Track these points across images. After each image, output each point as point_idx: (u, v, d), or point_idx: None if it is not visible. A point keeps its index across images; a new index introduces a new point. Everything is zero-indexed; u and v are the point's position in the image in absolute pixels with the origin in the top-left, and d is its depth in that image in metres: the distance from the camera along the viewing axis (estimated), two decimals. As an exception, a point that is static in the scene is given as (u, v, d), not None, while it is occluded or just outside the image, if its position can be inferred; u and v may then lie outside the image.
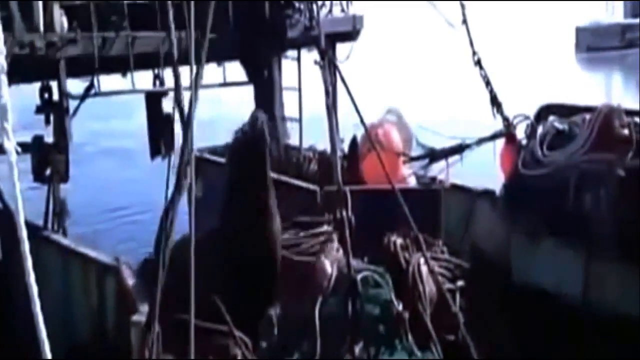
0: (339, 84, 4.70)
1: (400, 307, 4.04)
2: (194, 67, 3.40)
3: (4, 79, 3.63)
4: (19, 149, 4.26)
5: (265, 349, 3.86)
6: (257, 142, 4.31)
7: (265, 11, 7.47)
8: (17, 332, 4.05)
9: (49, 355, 3.46)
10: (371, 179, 6.31)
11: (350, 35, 8.39)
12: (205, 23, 3.43)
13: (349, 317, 3.79)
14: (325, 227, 5.01)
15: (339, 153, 6.52)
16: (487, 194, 5.63)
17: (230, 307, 3.95)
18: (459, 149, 6.26)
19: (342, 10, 8.30)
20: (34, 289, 3.58)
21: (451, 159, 6.16)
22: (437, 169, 6.17)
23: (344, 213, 3.53)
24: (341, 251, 4.83)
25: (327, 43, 6.16)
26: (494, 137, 6.20)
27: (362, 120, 4.24)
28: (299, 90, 7.89)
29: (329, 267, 4.37)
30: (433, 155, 6.29)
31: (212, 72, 6.71)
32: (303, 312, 4.08)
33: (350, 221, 3.53)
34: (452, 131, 6.73)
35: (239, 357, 3.68)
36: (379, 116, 6.86)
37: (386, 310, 4.00)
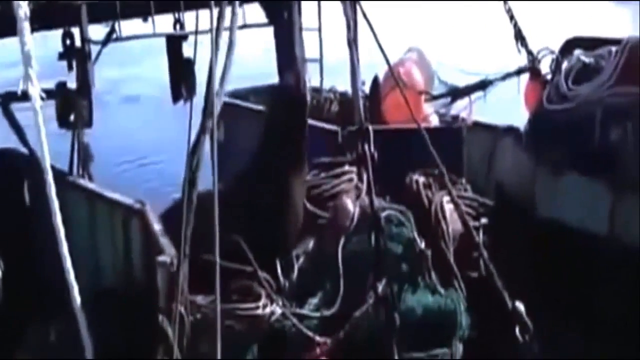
0: (361, 21, 4.45)
1: (423, 246, 3.92)
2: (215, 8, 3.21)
3: (27, 26, 3.48)
4: (44, 95, 4.16)
5: (288, 289, 3.78)
6: (300, 100, 4.13)
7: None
8: (44, 280, 4.04)
9: (78, 299, 3.45)
10: (392, 119, 6.09)
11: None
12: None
13: (373, 254, 3.68)
14: (346, 167, 4.87)
15: (360, 94, 6.30)
16: (511, 130, 5.38)
17: (253, 248, 3.86)
18: (482, 85, 5.97)
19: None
20: (62, 232, 3.55)
21: (474, 96, 5.89)
22: (460, 107, 5.91)
23: (367, 148, 3.35)
24: (363, 190, 4.70)
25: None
26: (518, 72, 5.91)
27: (384, 56, 3.98)
28: (319, 30, 7.55)
29: (351, 206, 4.24)
30: (455, 93, 6.01)
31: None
32: (326, 251, 3.98)
33: (373, 157, 3.36)
34: (475, 68, 6.43)
35: (263, 297, 3.60)
36: (400, 55, 6.57)
37: (409, 248, 3.88)
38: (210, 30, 3.46)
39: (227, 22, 3.53)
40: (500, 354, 3.59)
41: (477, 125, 5.60)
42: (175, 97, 6.35)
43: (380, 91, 6.35)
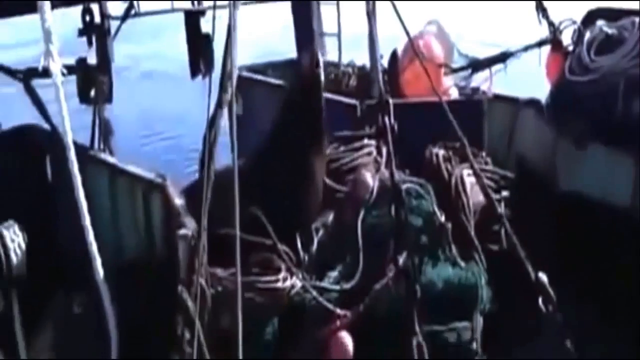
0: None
1: (443, 219, 3.85)
2: None
3: (47, 3, 3.44)
4: (65, 71, 4.11)
5: (308, 262, 3.75)
6: (316, 74, 4.05)
7: None
8: (66, 253, 4.05)
9: (101, 272, 3.46)
10: (411, 92, 5.98)
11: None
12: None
13: (392, 228, 3.63)
14: (365, 141, 4.80)
15: (379, 67, 6.18)
16: (532, 103, 5.24)
17: (273, 222, 3.83)
18: (503, 57, 5.82)
19: None
20: (84, 207, 3.54)
21: (494, 69, 5.74)
22: (480, 80, 5.77)
23: (387, 121, 3.27)
24: (382, 164, 4.63)
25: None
26: (539, 44, 5.75)
27: (404, 28, 3.87)
28: (337, 4, 7.41)
29: (370, 179, 4.18)
30: (475, 65, 5.86)
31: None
32: (345, 225, 3.93)
33: (393, 129, 3.28)
34: (496, 40, 6.26)
35: (283, 270, 3.57)
36: (419, 28, 6.42)
37: (429, 221, 3.81)
38: (229, 4, 3.40)
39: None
40: (521, 326, 3.54)
41: (497, 97, 5.47)
42: (194, 72, 6.30)
43: (399, 65, 6.23)
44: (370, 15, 4.26)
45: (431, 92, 5.78)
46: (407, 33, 4.36)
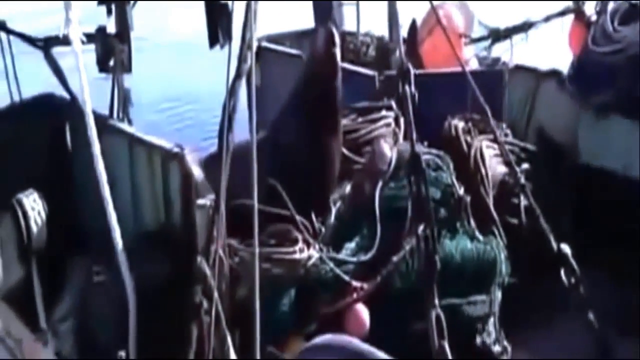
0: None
1: (462, 191, 3.70)
2: None
3: None
4: (84, 39, 3.97)
5: (325, 233, 3.64)
6: (331, 63, 3.87)
7: None
8: (85, 224, 3.99)
9: (120, 241, 3.40)
10: (430, 63, 5.77)
11: None
12: None
13: (410, 199, 3.49)
14: (383, 112, 4.62)
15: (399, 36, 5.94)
16: (554, 73, 5.01)
17: (290, 193, 3.71)
18: (524, 27, 5.56)
19: None
20: (103, 176, 3.46)
21: (515, 39, 5.49)
22: (501, 50, 5.53)
23: (407, 89, 3.09)
24: (400, 135, 4.47)
25: None
26: (561, 13, 5.48)
27: None
28: (355, -28, 7.12)
29: (388, 150, 4.02)
30: (496, 36, 5.61)
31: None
32: (362, 196, 3.80)
33: (414, 97, 3.11)
34: (516, 10, 5.99)
35: (300, 241, 3.47)
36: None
37: (447, 193, 3.66)
38: None
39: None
40: (542, 301, 3.42)
41: (518, 68, 5.23)
42: (212, 41, 6.13)
43: (418, 35, 6.00)
44: (390, -18, 4.04)
45: (450, 63, 5.57)
46: (431, 2, 4.15)
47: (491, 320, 3.47)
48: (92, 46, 4.94)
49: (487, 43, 5.73)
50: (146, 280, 3.26)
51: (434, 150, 3.97)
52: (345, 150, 4.14)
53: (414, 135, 3.17)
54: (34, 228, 3.61)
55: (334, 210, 3.75)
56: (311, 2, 6.62)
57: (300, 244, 3.44)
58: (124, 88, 4.94)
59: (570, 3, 5.33)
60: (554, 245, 3.12)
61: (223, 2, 6.31)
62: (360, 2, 6.92)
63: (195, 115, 8.98)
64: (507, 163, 3.59)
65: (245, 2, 3.06)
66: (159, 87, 9.31)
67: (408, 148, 4.00)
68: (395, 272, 3.34)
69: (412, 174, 2.99)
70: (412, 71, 3.65)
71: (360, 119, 4.53)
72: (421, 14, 6.21)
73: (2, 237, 3.48)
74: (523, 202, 3.77)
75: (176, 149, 3.82)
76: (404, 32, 6.21)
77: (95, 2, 5.41)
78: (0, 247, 3.41)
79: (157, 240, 3.60)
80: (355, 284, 3.31)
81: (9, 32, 4.87)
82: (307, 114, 3.99)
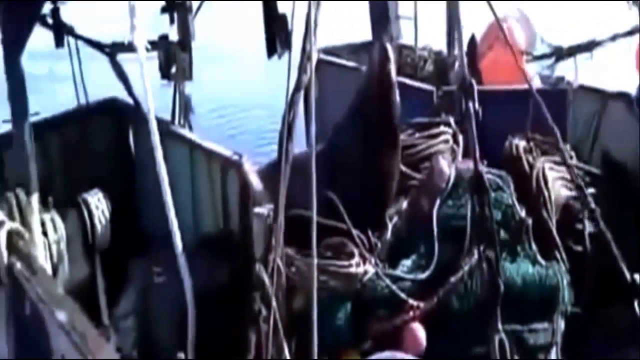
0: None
1: (523, 213, 3.69)
2: None
3: None
4: (149, 46, 4.17)
5: (381, 249, 3.68)
6: (386, 80, 3.94)
7: None
8: (147, 225, 4.15)
9: (180, 245, 3.54)
10: (490, 80, 5.76)
11: None
12: None
13: (469, 219, 3.51)
14: (442, 128, 4.65)
15: (456, 52, 5.97)
16: (622, 95, 4.94)
17: (347, 207, 3.78)
18: (589, 46, 5.51)
19: None
20: (165, 180, 3.62)
21: (580, 58, 5.44)
22: (564, 69, 5.48)
23: (470, 105, 3.12)
24: (459, 152, 4.49)
25: None
26: (629, 33, 5.40)
27: (491, 8, 3.68)
28: (414, -14, 7.20)
29: (447, 167, 4.05)
30: (560, 54, 5.58)
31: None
32: (420, 213, 3.83)
33: (478, 114, 3.14)
34: (582, 28, 5.93)
35: (356, 255, 3.53)
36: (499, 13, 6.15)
37: (508, 215, 3.65)
38: None
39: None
40: (610, 332, 3.35)
41: (583, 88, 5.18)
42: (270, 52, 6.30)
43: (477, 51, 6.01)
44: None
45: (510, 80, 5.55)
46: (494, 13, 4.16)
47: (554, 350, 3.41)
48: (155, 53, 5.18)
49: (549, 61, 5.70)
50: (204, 283, 3.37)
51: (494, 170, 3.97)
52: (402, 166, 4.18)
53: (477, 153, 3.20)
54: (99, 227, 3.80)
55: (390, 226, 3.79)
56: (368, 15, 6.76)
57: (357, 258, 3.49)
58: (185, 95, 5.15)
59: (639, 22, 5.25)
60: (627, 274, 3.07)
61: (282, 13, 6.52)
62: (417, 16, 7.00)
63: (251, 122, 9.22)
64: (575, 186, 3.55)
65: (305, 13, 3.18)
66: (219, 95, 9.60)
67: (468, 166, 4.05)
68: (453, 293, 3.35)
69: (475, 193, 3.00)
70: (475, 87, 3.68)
71: (417, 135, 4.58)
72: (480, 29, 6.23)
73: (69, 233, 3.67)
74: (588, 228, 3.71)
75: (235, 157, 3.96)
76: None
77: (159, 10, 5.66)
78: (67, 243, 3.60)
79: (215, 245, 3.72)
80: (412, 302, 3.33)
81: (77, 37, 5.15)
82: (365, 129, 4.05)
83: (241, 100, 9.99)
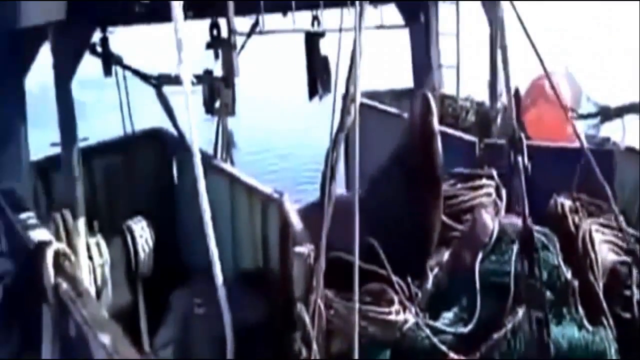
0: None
1: (569, 275, 3.71)
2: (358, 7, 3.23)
3: (180, 12, 3.70)
4: (194, 80, 4.37)
5: (421, 299, 3.73)
6: (428, 130, 4.07)
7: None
8: (188, 256, 4.25)
9: (220, 277, 3.62)
10: (533, 135, 5.84)
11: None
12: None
13: (512, 275, 3.55)
14: (484, 181, 4.74)
15: (499, 104, 6.11)
16: (671, 159, 4.97)
17: (387, 253, 3.85)
18: (637, 107, 5.59)
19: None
20: (207, 212, 3.74)
21: (627, 119, 5.51)
22: (611, 129, 5.55)
23: (520, 160, 3.21)
24: (501, 207, 4.55)
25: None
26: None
27: (540, 61, 3.79)
28: (457, 36, 7.42)
29: (490, 221, 4.11)
30: (606, 113, 5.66)
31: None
32: (461, 266, 3.89)
33: (527, 169, 3.21)
34: (629, 89, 6.01)
35: (396, 303, 3.58)
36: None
37: (553, 275, 3.68)
38: (355, 28, 3.50)
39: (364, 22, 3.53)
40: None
41: (630, 150, 5.23)
42: (311, 93, 6.51)
43: (522, 104, 6.12)
44: (505, 48, 4.19)
45: (553, 137, 5.63)
46: (544, 67, 4.27)
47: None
48: (199, 87, 5.39)
49: (595, 120, 5.78)
50: (243, 318, 3.44)
51: (539, 228, 4.02)
52: (444, 216, 4.25)
53: (527, 210, 3.26)
54: (142, 254, 3.91)
55: (431, 276, 3.84)
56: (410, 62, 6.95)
57: (396, 306, 3.54)
58: (228, 130, 5.34)
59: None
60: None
61: (324, 55, 6.75)
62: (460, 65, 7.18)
63: (290, 161, 9.43)
64: (625, 251, 3.58)
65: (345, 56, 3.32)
66: (260, 132, 9.87)
67: (511, 221, 4.12)
68: (496, 350, 3.37)
69: (523, 252, 3.05)
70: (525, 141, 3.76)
71: (459, 185, 4.66)
72: (525, 80, 6.36)
73: (113, 259, 3.79)
74: (637, 295, 3.71)
75: (276, 195, 4.07)
76: (504, 99, 6.36)
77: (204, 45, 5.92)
78: (111, 268, 3.72)
79: (254, 281, 3.80)
80: (453, 356, 3.35)
81: (125, 67, 5.40)
82: (407, 177, 4.15)
83: (281, 138, 10.25)
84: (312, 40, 6.86)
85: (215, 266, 3.50)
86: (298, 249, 3.67)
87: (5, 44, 4.40)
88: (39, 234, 3.47)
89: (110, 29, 5.40)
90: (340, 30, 3.92)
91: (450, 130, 5.49)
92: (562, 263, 3.77)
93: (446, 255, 4.00)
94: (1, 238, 3.91)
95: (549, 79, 4.51)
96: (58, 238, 3.46)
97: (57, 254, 3.22)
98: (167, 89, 5.29)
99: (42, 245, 3.27)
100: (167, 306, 3.82)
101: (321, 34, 6.79)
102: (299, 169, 8.35)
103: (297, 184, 6.94)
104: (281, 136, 10.46)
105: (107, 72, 5.28)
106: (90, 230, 3.76)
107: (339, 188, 3.57)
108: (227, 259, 3.85)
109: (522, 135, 3.67)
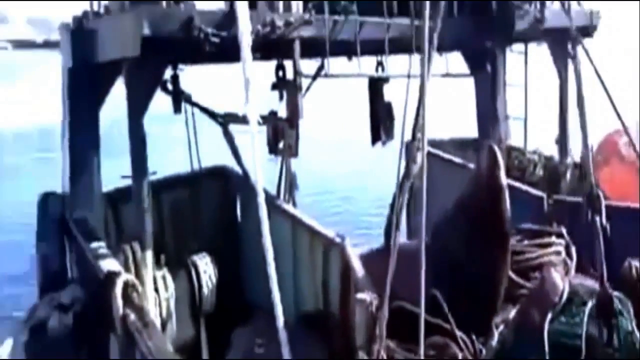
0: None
1: (644, 342, 3.66)
2: (426, 54, 3.38)
3: (249, 53, 3.94)
4: (260, 120, 4.59)
5: (486, 355, 3.75)
6: (496, 184, 4.15)
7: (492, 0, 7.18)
8: (249, 293, 4.38)
9: (281, 316, 3.73)
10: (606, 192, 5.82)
11: (587, 30, 7.76)
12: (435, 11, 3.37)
13: (582, 339, 3.54)
14: (553, 238, 4.75)
15: (569, 160, 6.12)
16: None
17: (450, 305, 3.90)
18: None
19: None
20: (270, 252, 3.88)
21: None
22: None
23: (597, 219, 3.25)
24: (571, 266, 4.54)
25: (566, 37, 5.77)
26: None
27: (619, 117, 3.84)
28: (525, 86, 7.51)
29: (560, 281, 4.11)
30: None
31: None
32: (529, 325, 3.89)
33: (606, 230, 3.25)
34: None
35: (459, 357, 3.61)
36: (614, 125, 6.29)
37: (628, 342, 3.64)
38: (408, 75, 3.64)
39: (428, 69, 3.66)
40: None
41: None
42: (374, 139, 6.67)
43: (593, 162, 6.11)
44: (582, 101, 4.25)
45: (626, 196, 5.59)
46: (622, 122, 4.30)
47: None
48: (264, 127, 5.63)
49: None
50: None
51: (613, 292, 3.99)
52: (511, 273, 4.28)
53: (604, 273, 3.28)
54: (205, 290, 4.08)
55: (496, 333, 3.86)
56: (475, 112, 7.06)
57: (460, 361, 3.57)
58: (291, 171, 5.54)
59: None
60: None
61: (387, 101, 6.94)
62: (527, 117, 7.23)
63: (349, 205, 9.61)
64: None
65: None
66: (322, 174, 10.14)
67: (583, 282, 4.12)
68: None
69: (600, 316, 3.06)
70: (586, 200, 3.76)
71: (527, 242, 4.69)
72: (597, 137, 6.36)
73: (177, 294, 3.97)
74: None
75: (338, 239, 4.19)
76: (576, 155, 6.35)
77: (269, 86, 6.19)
78: (175, 302, 3.89)
79: (315, 324, 3.88)
80: (518, 418, 3.35)
81: (194, 105, 5.71)
82: (475, 231, 4.20)
83: (343, 180, 10.46)
84: (376, 85, 7.06)
85: (277, 307, 3.61)
86: (360, 295, 3.75)
87: (84, 77, 4.75)
88: (109, 264, 3.68)
89: (180, 66, 5.74)
90: (409, 76, 4.10)
91: (517, 184, 5.54)
92: (635, 329, 3.73)
93: (513, 312, 4.02)
94: (72, 266, 4.15)
95: (628, 136, 4.54)
96: (127, 269, 3.65)
97: (126, 285, 3.39)
98: (233, 128, 5.54)
99: (112, 275, 3.46)
100: (228, 343, 3.95)
101: (385, 80, 7.00)
102: (359, 212, 8.50)
103: (358, 227, 7.06)
104: (343, 179, 10.68)
105: (177, 109, 5.58)
106: (157, 263, 3.95)
107: (401, 236, 3.67)
108: (288, 299, 3.95)
109: (601, 193, 3.70)
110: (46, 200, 4.42)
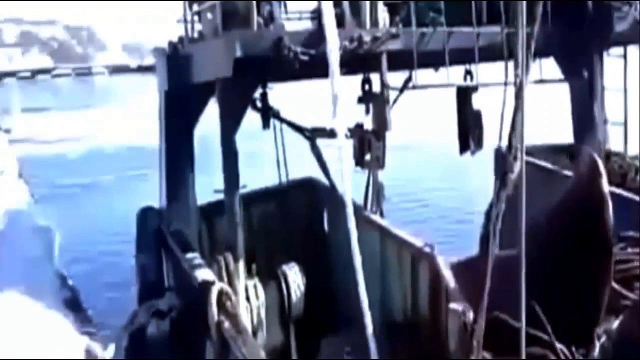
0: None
1: None
2: (522, 61, 3.39)
3: (337, 69, 4.12)
4: (348, 133, 4.74)
5: (590, 368, 3.68)
6: (598, 193, 4.07)
7: (589, 2, 6.99)
8: (338, 303, 4.53)
9: (370, 325, 3.85)
10: None
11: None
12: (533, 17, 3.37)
13: None
14: (658, 247, 4.58)
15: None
16: None
17: (549, 316, 3.86)
18: None
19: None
20: (359, 262, 4.02)
21: None
22: None
23: None
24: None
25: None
26: None
27: None
28: (625, 91, 7.26)
29: (668, 292, 3.98)
30: None
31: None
32: (633, 337, 3.78)
33: None
34: None
35: (558, 370, 3.58)
36: None
37: None
38: (504, 83, 3.63)
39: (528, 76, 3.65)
40: None
41: None
42: (463, 148, 6.68)
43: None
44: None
45: None
46: None
47: None
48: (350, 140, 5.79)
49: None
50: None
51: None
52: (613, 283, 4.17)
53: None
54: (294, 298, 4.29)
55: (597, 345, 3.78)
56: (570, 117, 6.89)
57: (559, 374, 3.53)
58: (378, 182, 5.68)
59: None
60: None
61: (476, 109, 6.92)
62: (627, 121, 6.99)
63: (435, 213, 9.66)
64: None
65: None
66: (406, 185, 10.28)
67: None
68: None
69: None
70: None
71: (630, 250, 4.55)
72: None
73: (267, 302, 4.21)
74: None
75: (427, 248, 4.26)
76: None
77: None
78: (265, 310, 4.12)
79: (404, 334, 3.97)
80: None
81: (282, 120, 5.99)
82: (574, 240, 4.12)
83: (428, 191, 10.51)
84: (465, 94, 7.06)
85: (366, 316, 3.74)
86: (453, 305, 3.79)
87: (179, 98, 5.13)
88: (204, 274, 3.95)
89: (269, 85, 6.04)
90: (506, 84, 4.12)
91: (618, 190, 5.38)
92: None
93: (615, 323, 3.92)
94: (169, 275, 4.49)
95: None
96: (220, 278, 3.91)
97: (221, 293, 3.64)
98: (319, 142, 5.76)
99: (207, 284, 3.72)
100: (317, 351, 4.11)
101: (474, 88, 6.99)
102: (445, 220, 8.51)
103: (445, 235, 7.09)
104: (428, 187, 10.72)
105: (266, 125, 5.88)
106: (249, 273, 4.20)
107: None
108: (376, 308, 4.07)
109: None
110: (145, 214, 4.80)
